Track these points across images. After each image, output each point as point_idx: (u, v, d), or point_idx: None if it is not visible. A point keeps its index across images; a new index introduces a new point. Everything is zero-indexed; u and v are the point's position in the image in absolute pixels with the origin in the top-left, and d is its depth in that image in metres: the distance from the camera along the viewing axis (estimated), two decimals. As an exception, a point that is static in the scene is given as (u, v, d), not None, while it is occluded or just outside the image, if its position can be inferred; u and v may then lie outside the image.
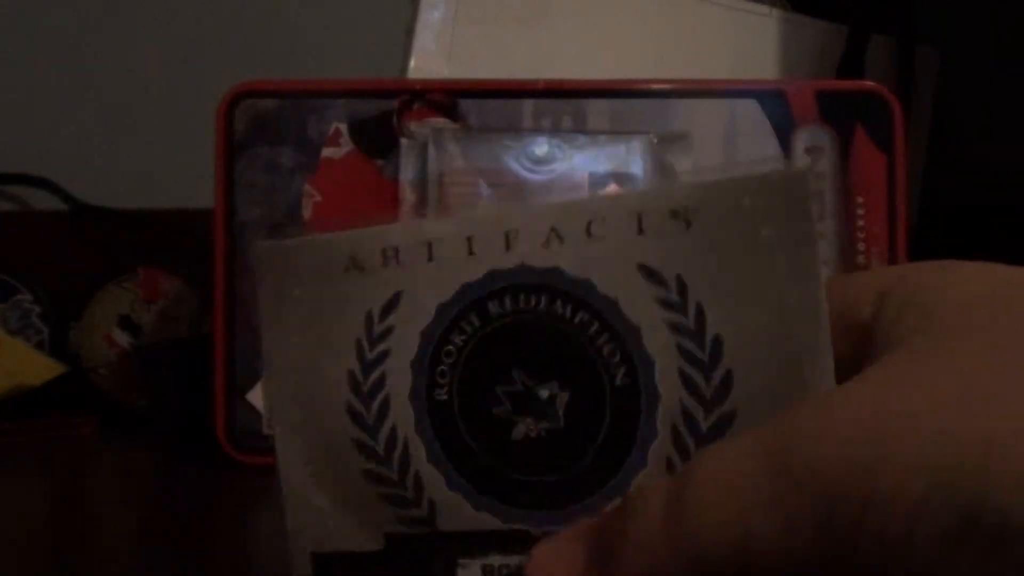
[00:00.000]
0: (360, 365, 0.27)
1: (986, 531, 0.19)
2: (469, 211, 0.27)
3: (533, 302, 0.26)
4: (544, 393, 0.26)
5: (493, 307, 0.26)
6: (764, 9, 0.71)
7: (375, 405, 0.27)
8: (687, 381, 0.25)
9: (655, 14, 0.70)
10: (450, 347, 0.26)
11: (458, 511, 0.26)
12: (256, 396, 0.63)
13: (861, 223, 0.62)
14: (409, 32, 0.68)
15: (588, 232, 0.25)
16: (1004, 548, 0.19)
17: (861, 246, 0.62)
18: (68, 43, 0.96)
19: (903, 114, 0.63)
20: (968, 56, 0.77)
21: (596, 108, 0.62)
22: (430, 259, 0.26)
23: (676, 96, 0.62)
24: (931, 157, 0.74)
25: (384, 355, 0.27)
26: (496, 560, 0.25)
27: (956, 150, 0.76)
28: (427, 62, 0.68)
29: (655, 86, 0.62)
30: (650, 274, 0.25)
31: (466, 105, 0.61)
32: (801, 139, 0.61)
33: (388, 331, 0.27)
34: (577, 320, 0.26)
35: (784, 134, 0.61)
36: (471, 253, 0.26)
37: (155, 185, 0.95)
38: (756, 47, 0.71)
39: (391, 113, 0.63)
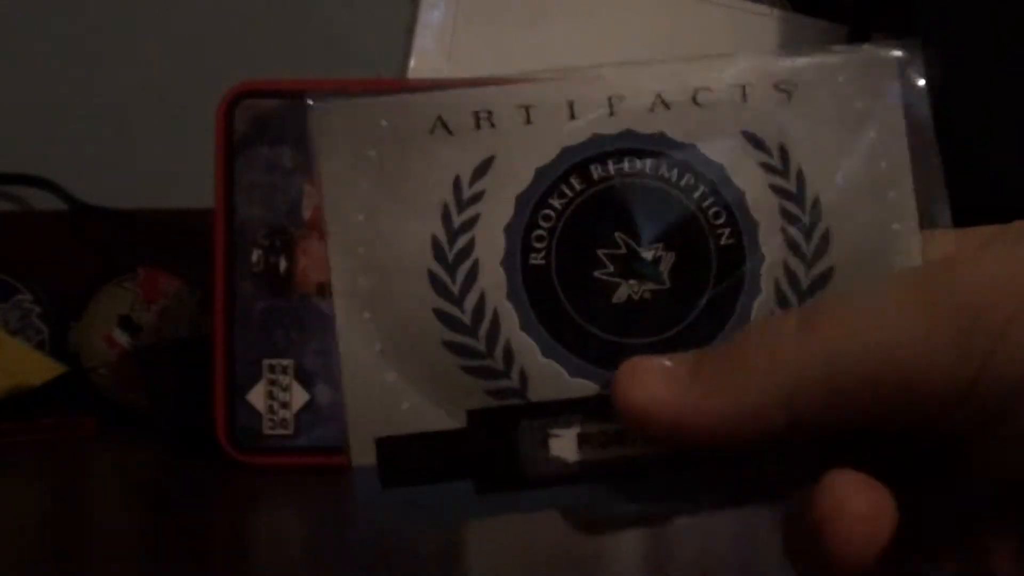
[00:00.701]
0: (445, 230, 0.26)
1: None
2: (571, 72, 0.26)
3: (638, 166, 0.26)
4: (649, 254, 0.26)
5: (596, 171, 0.26)
6: (764, 9, 0.71)
7: (462, 272, 0.26)
8: (789, 241, 0.25)
9: (655, 14, 0.70)
10: (548, 211, 0.26)
11: (553, 380, 0.25)
12: (256, 396, 0.63)
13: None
14: (409, 32, 0.68)
15: (694, 100, 0.26)
16: None
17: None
18: (68, 44, 0.96)
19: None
20: (968, 56, 0.77)
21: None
22: (528, 122, 0.26)
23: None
24: (931, 157, 0.74)
25: (474, 220, 0.26)
26: (593, 427, 0.24)
27: (956, 150, 0.76)
28: (427, 62, 0.68)
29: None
30: (754, 140, 0.26)
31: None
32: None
33: (479, 195, 0.26)
34: (683, 183, 0.26)
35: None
36: (572, 117, 0.26)
37: (155, 185, 0.95)
38: (756, 47, 0.71)
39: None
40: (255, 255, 0.64)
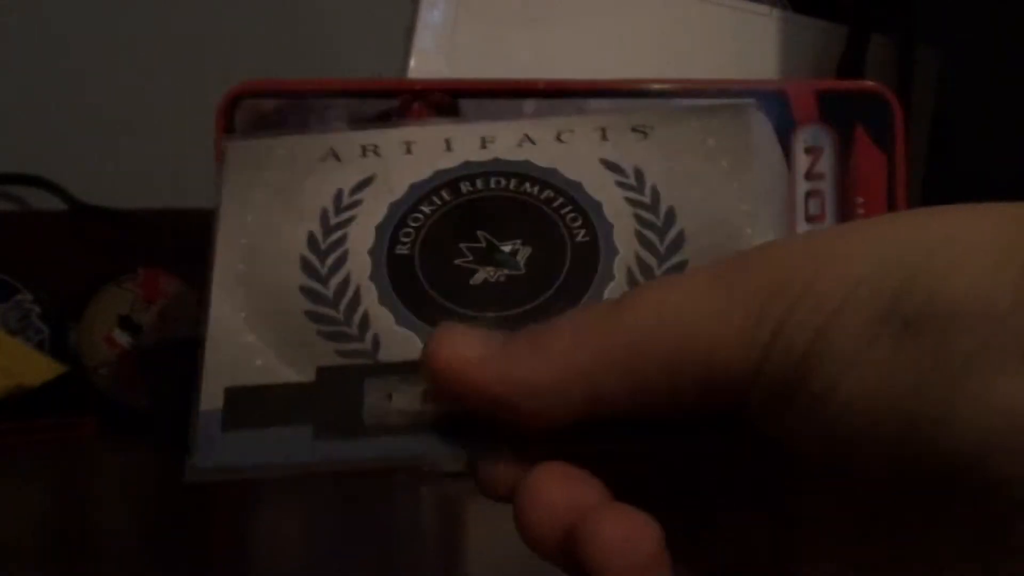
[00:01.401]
0: (322, 227, 0.29)
1: (906, 312, 0.19)
2: (448, 121, 0.31)
3: (503, 183, 0.29)
4: (507, 247, 0.28)
5: (464, 186, 0.29)
6: (764, 9, 0.71)
7: (331, 258, 0.28)
8: (643, 240, 0.28)
9: (655, 14, 0.70)
10: (417, 215, 0.29)
11: (403, 345, 0.27)
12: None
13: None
14: (409, 32, 0.68)
15: (558, 138, 0.30)
16: (922, 330, 0.19)
17: (861, 246, 0.62)
18: (68, 44, 0.96)
19: (903, 114, 0.63)
20: (968, 56, 0.77)
21: (597, 108, 0.62)
22: (408, 152, 0.30)
23: (676, 96, 0.62)
24: (931, 157, 0.74)
25: (349, 220, 0.29)
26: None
27: (956, 150, 0.76)
28: (427, 62, 0.68)
29: (655, 86, 0.62)
30: (611, 166, 0.29)
31: (466, 105, 0.61)
32: (801, 139, 0.61)
33: (356, 203, 0.29)
34: (543, 196, 0.29)
35: (784, 134, 0.61)
36: (448, 150, 0.30)
37: (155, 185, 0.95)
38: (756, 47, 0.71)
39: (391, 113, 0.63)
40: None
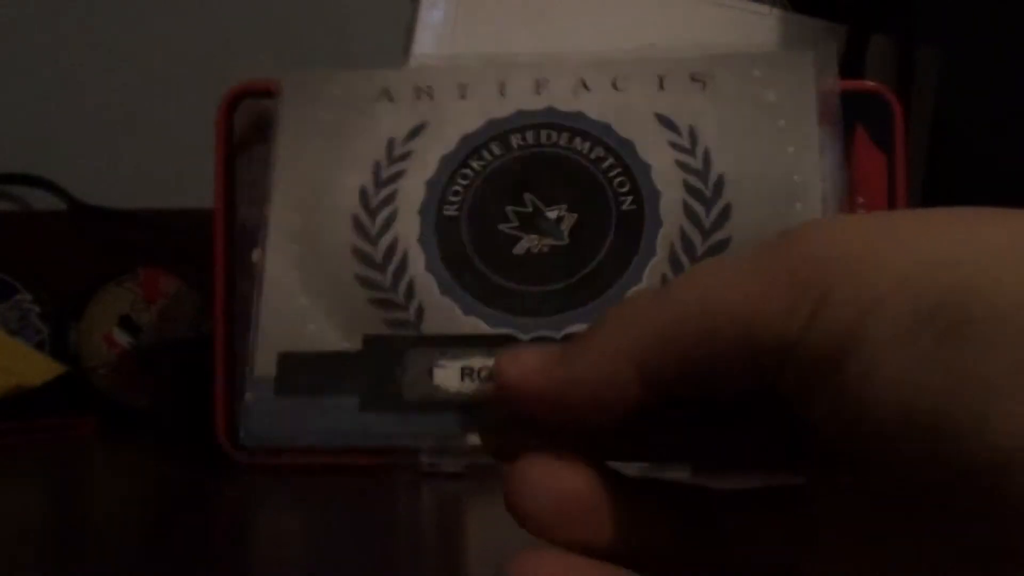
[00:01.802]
0: (374, 181, 0.29)
1: (952, 314, 0.19)
2: (504, 57, 0.29)
3: (555, 138, 0.29)
4: (553, 214, 0.28)
5: (516, 140, 0.29)
6: (764, 9, 0.71)
7: (381, 216, 0.29)
8: (689, 212, 0.28)
9: (655, 14, 0.70)
10: (467, 171, 0.29)
11: (447, 315, 0.27)
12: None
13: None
14: (409, 32, 0.68)
15: (613, 86, 0.29)
16: (965, 334, 0.19)
17: (861, 246, 0.62)
18: (68, 44, 0.96)
19: (903, 114, 0.63)
20: (968, 56, 0.77)
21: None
22: (462, 97, 0.29)
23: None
24: (931, 157, 0.74)
25: (400, 174, 0.29)
26: (476, 362, 0.26)
27: (956, 150, 0.76)
28: (427, 62, 0.68)
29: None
30: (665, 121, 0.28)
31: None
32: (801, 139, 0.61)
33: (407, 154, 0.29)
34: (594, 156, 0.28)
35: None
36: (502, 94, 0.29)
37: (155, 185, 0.95)
38: (755, 47, 0.71)
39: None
40: (255, 255, 0.64)
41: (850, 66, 0.71)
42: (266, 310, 0.28)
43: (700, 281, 0.23)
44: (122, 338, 0.84)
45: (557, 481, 0.24)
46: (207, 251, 0.64)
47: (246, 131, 0.64)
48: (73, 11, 0.96)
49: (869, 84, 0.64)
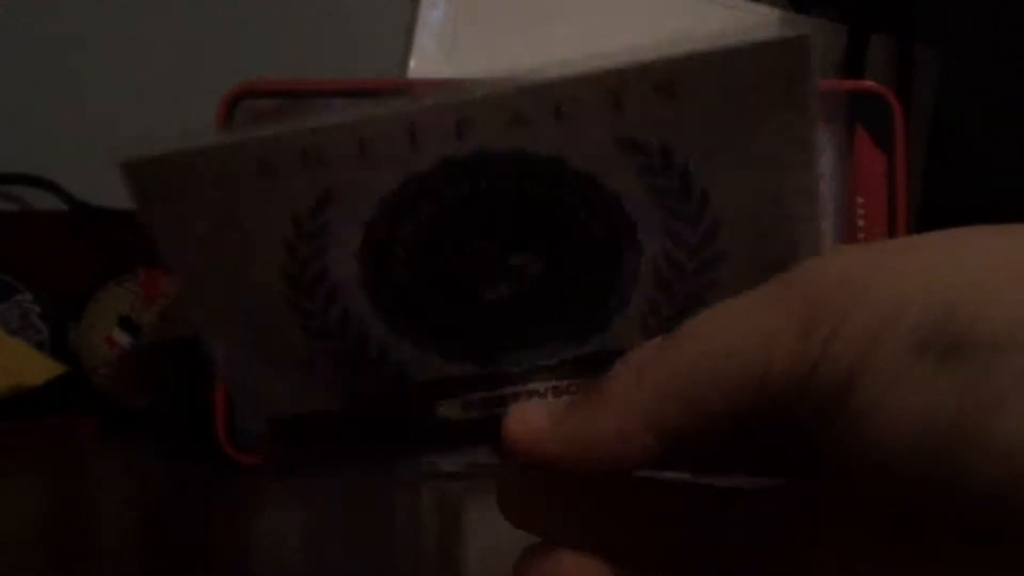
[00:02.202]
0: (294, 263, 0.24)
1: (949, 338, 0.20)
2: (404, 102, 0.23)
3: (496, 184, 0.24)
4: (517, 260, 0.25)
5: (447, 194, 0.24)
6: (764, 9, 0.71)
7: (319, 296, 0.25)
8: (672, 233, 0.24)
9: (655, 14, 0.70)
10: (402, 233, 0.24)
11: (431, 366, 0.25)
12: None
13: (861, 223, 0.62)
14: (409, 32, 0.68)
15: (557, 113, 0.23)
16: (962, 357, 0.19)
17: (861, 246, 0.62)
18: (68, 43, 0.96)
19: (903, 114, 0.63)
20: (968, 56, 0.77)
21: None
22: (361, 155, 0.23)
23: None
24: (931, 157, 0.74)
25: (322, 249, 0.24)
26: (475, 396, 0.25)
27: (956, 150, 0.76)
28: (427, 62, 0.68)
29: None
30: (630, 145, 0.23)
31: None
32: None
33: (323, 228, 0.24)
34: (549, 195, 0.24)
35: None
36: (414, 144, 0.23)
37: (155, 185, 0.95)
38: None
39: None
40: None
41: (850, 66, 0.71)
42: (234, 383, 0.26)
43: (709, 331, 0.23)
44: (122, 338, 0.84)
45: (556, 480, 0.24)
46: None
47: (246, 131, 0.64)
48: (73, 11, 0.96)
49: (869, 84, 0.63)
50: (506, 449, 0.24)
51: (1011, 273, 0.20)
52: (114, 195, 1.02)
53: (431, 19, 0.68)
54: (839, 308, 0.21)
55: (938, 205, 0.73)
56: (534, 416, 0.24)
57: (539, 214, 0.24)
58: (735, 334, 0.22)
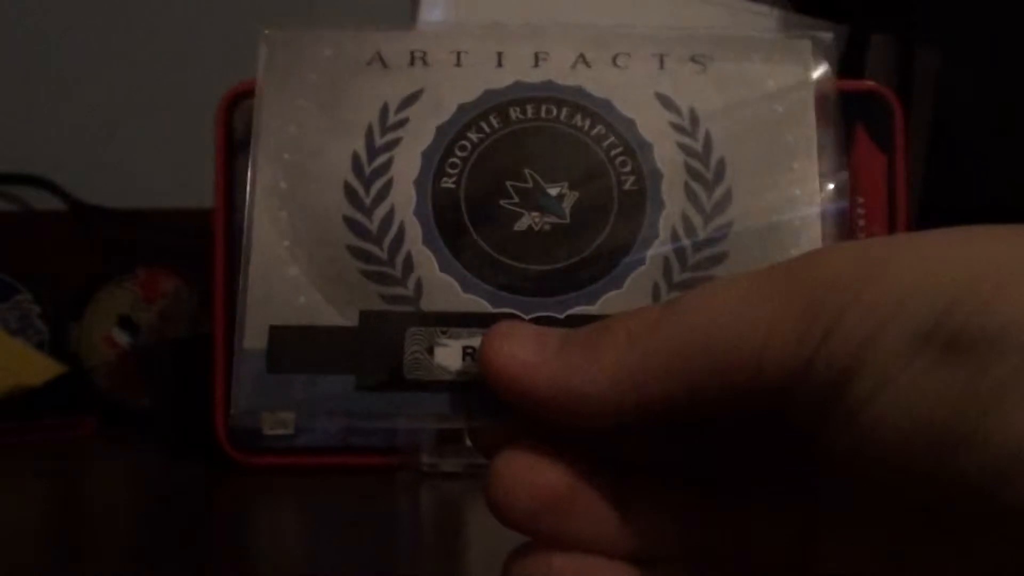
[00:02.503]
0: (366, 147, 0.28)
1: (948, 333, 0.20)
2: (501, 27, 0.29)
3: (554, 112, 0.28)
4: (554, 191, 0.27)
5: (514, 112, 0.28)
6: (764, 9, 0.71)
7: (376, 186, 0.27)
8: (691, 194, 0.27)
9: (655, 14, 0.70)
10: (464, 142, 0.28)
11: (446, 293, 0.27)
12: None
13: (861, 223, 0.62)
14: (409, 32, 0.68)
15: (614, 63, 0.28)
16: (961, 351, 0.20)
17: (861, 246, 0.62)
18: (68, 43, 0.96)
19: (903, 114, 0.63)
20: (968, 56, 0.77)
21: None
22: (457, 64, 0.28)
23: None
24: (931, 157, 0.74)
25: (395, 143, 0.28)
26: (478, 342, 0.25)
27: (956, 150, 0.76)
28: (427, 62, 0.68)
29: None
30: (666, 101, 0.28)
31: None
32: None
33: (403, 122, 0.28)
34: (594, 132, 0.28)
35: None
36: (499, 65, 0.28)
37: (155, 185, 0.95)
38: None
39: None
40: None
41: (850, 66, 0.71)
42: (255, 279, 0.27)
43: (708, 308, 0.23)
44: (122, 338, 0.84)
45: (534, 475, 0.24)
46: (207, 251, 0.64)
47: (246, 131, 0.64)
48: (73, 11, 0.96)
49: (869, 84, 0.64)
50: (487, 373, 0.24)
51: (1012, 270, 0.20)
52: (114, 195, 1.02)
53: (431, 19, 0.68)
54: (839, 300, 0.21)
55: (938, 205, 0.73)
56: (520, 344, 0.24)
57: (583, 151, 0.28)
58: (733, 316, 0.22)
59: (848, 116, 0.62)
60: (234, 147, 0.64)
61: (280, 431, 0.63)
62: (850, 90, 0.63)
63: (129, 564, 0.48)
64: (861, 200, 0.62)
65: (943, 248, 0.22)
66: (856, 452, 0.21)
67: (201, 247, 0.67)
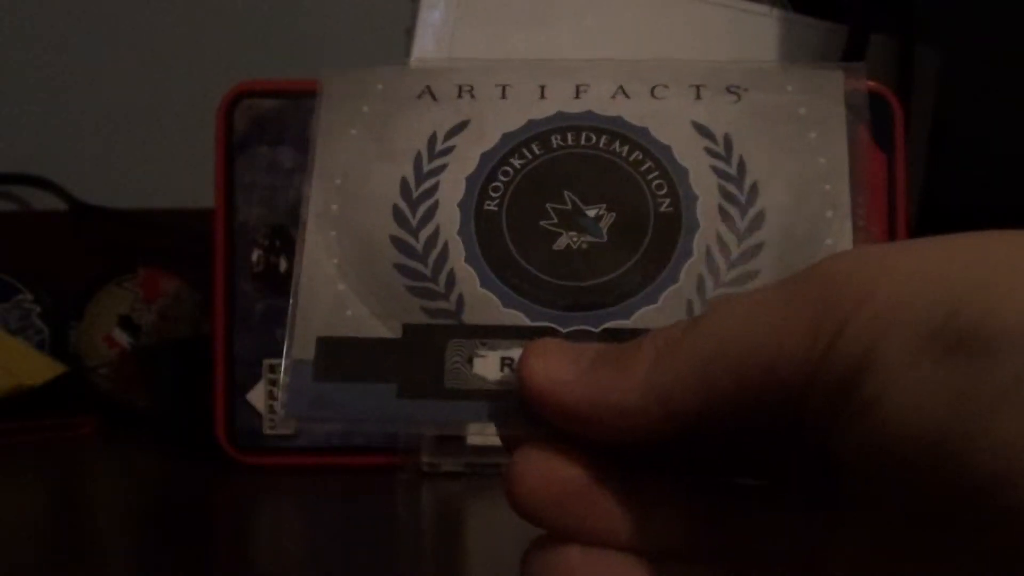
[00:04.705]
0: (415, 173, 0.29)
1: (954, 334, 0.20)
2: (546, 63, 0.31)
3: (594, 140, 0.30)
4: (592, 212, 0.29)
5: (555, 140, 0.30)
6: (764, 9, 0.71)
7: (422, 208, 0.29)
8: (725, 215, 0.28)
9: (655, 14, 0.70)
10: (507, 168, 0.29)
11: (486, 307, 0.28)
12: (256, 396, 0.63)
13: (861, 223, 0.62)
14: (409, 32, 0.68)
15: (652, 94, 0.30)
16: (967, 352, 0.20)
17: (861, 246, 0.62)
18: (68, 43, 0.96)
19: (903, 114, 0.63)
20: (968, 56, 0.77)
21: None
22: (503, 97, 0.30)
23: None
24: (931, 157, 0.74)
25: (441, 168, 0.29)
26: (516, 353, 0.27)
27: (956, 150, 0.76)
28: (427, 62, 0.68)
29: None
30: (701, 129, 0.29)
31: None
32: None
33: (449, 149, 0.30)
34: (632, 158, 0.29)
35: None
36: (542, 97, 0.30)
37: (155, 185, 0.95)
38: (756, 47, 0.71)
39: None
40: (255, 255, 0.64)
41: (850, 66, 0.71)
42: (304, 295, 0.29)
43: (726, 318, 0.23)
44: (122, 338, 0.84)
45: (553, 470, 0.25)
46: (207, 251, 0.64)
47: (246, 131, 0.64)
48: (73, 11, 0.96)
49: (869, 84, 0.63)
50: (523, 390, 0.25)
51: (1019, 274, 0.21)
52: (114, 195, 1.02)
53: (431, 19, 0.68)
54: (849, 302, 0.22)
55: (938, 205, 0.73)
56: (555, 362, 0.25)
57: (621, 176, 0.29)
58: (749, 322, 0.23)
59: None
60: (234, 147, 0.64)
61: (280, 431, 0.63)
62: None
63: (129, 564, 0.48)
64: (860, 200, 0.62)
65: (952, 252, 0.22)
66: (864, 453, 0.21)
67: (201, 247, 0.67)
